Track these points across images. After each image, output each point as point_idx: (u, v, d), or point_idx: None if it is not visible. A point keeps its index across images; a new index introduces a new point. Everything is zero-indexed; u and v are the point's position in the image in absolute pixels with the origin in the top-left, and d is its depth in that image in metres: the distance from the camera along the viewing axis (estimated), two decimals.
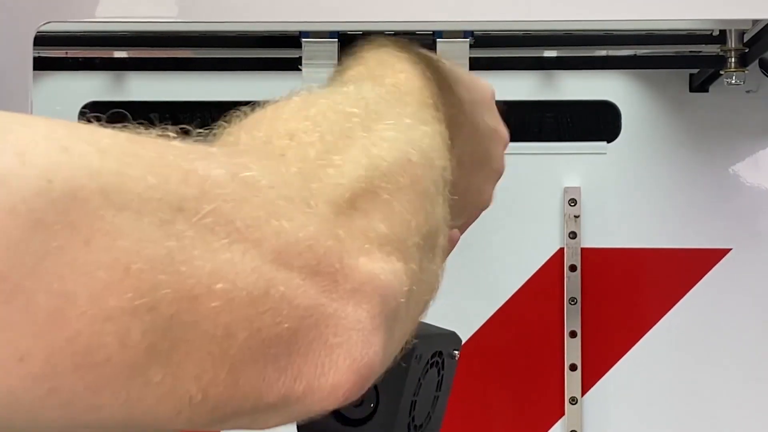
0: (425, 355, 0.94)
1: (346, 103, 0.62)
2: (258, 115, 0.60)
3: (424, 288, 0.60)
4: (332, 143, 0.57)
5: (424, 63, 0.76)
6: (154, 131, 0.50)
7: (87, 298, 0.43)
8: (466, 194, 0.80)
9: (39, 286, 0.42)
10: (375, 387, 0.93)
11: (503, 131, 0.85)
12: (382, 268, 0.53)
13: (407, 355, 0.93)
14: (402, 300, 0.54)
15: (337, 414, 0.94)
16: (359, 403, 0.93)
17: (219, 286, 0.46)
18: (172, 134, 0.50)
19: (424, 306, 0.62)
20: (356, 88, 0.68)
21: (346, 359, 0.50)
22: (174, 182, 0.47)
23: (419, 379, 0.94)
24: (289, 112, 0.60)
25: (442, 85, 0.76)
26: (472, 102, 0.81)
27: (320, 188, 0.53)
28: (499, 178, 0.86)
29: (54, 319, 0.43)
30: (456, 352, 0.98)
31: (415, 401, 0.94)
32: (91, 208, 0.44)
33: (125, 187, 0.45)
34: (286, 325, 0.48)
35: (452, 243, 0.81)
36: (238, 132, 0.58)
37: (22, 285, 0.42)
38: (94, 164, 0.45)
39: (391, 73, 0.73)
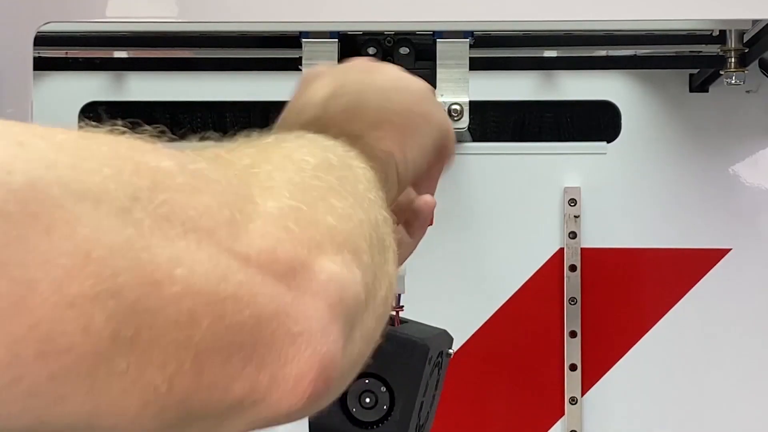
0: (434, 357, 0.95)
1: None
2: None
3: (381, 284, 0.60)
4: (260, 157, 0.58)
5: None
6: (106, 127, 0.51)
7: (49, 285, 0.44)
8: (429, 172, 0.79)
9: (1, 274, 0.43)
10: (389, 389, 0.94)
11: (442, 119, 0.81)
12: (333, 259, 0.53)
13: (421, 357, 0.93)
14: (359, 290, 0.55)
15: (351, 417, 0.95)
16: (373, 405, 0.94)
17: (178, 271, 0.47)
18: (122, 129, 0.51)
19: (385, 303, 0.61)
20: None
21: (308, 348, 0.50)
22: (127, 173, 0.48)
23: (428, 380, 0.94)
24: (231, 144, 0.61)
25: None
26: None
27: (260, 190, 0.54)
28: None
29: (16, 307, 0.43)
30: (450, 351, 0.99)
31: (423, 402, 0.95)
32: (51, 198, 0.45)
33: (82, 178, 0.46)
34: (247, 312, 0.49)
35: (429, 208, 0.80)
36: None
37: None
38: (50, 157, 0.46)
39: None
